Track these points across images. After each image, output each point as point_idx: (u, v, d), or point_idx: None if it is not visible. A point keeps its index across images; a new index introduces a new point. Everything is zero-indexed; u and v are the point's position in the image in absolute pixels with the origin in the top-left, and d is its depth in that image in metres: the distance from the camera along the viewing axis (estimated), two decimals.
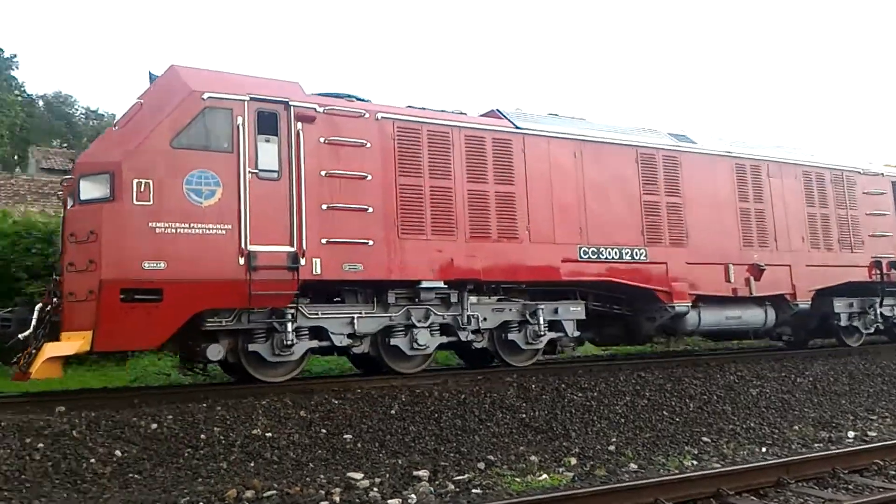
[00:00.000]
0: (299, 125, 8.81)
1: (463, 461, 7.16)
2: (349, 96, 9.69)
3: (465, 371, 10.21)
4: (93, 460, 6.47)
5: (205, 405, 7.73)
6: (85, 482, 6.20)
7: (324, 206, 8.81)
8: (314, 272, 8.64)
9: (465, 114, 10.55)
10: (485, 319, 9.90)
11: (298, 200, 8.64)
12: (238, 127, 8.51)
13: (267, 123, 8.71)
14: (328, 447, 7.32)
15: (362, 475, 6.57)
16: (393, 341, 9.31)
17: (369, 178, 9.16)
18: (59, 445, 6.58)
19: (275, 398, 8.03)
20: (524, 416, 8.52)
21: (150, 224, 7.89)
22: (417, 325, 9.37)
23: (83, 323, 7.66)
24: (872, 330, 13.55)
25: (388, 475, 6.60)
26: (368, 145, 9.23)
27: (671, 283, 10.98)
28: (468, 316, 9.69)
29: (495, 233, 9.88)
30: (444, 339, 9.66)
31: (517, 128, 10.39)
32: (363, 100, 9.76)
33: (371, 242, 9.02)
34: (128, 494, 6.01)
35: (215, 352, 8.34)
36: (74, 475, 6.26)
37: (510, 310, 10.14)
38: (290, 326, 8.54)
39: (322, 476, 6.58)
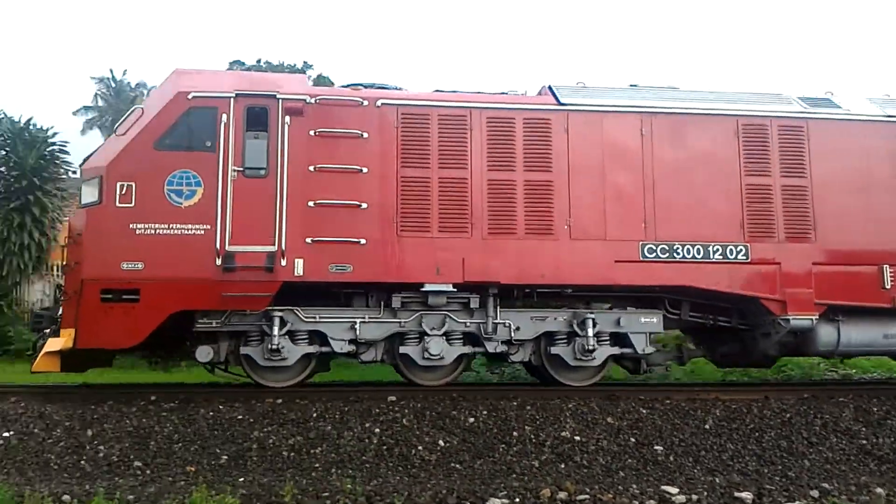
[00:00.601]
0: (287, 118, 8.40)
1: (791, 487, 6.64)
2: (381, 86, 9.07)
3: (785, 385, 9.23)
4: (420, 447, 7.09)
5: (515, 403, 8.01)
6: (414, 467, 6.81)
7: (310, 204, 8.30)
8: (296, 273, 8.13)
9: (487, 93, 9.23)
10: (518, 329, 8.65)
11: (283, 197, 8.25)
12: (223, 125, 8.30)
13: (257, 119, 8.41)
14: (638, 457, 7.22)
15: (677, 490, 6.43)
16: (402, 349, 8.55)
17: (365, 171, 8.47)
18: (392, 432, 7.30)
19: (581, 402, 8.06)
20: (864, 441, 7.58)
21: (130, 225, 8.00)
22: (430, 332, 8.51)
23: (69, 320, 7.89)
24: None
25: (706, 493, 6.40)
26: (366, 136, 8.54)
27: (785, 290, 8.65)
28: (495, 324, 8.58)
29: (522, 229, 8.57)
30: (467, 350, 8.70)
31: (560, 104, 8.89)
32: (392, 88, 9.08)
33: (363, 241, 8.32)
34: (451, 483, 6.45)
35: (204, 353, 8.35)
36: (405, 460, 6.92)
37: (555, 318, 8.76)
38: (275, 330, 8.18)
39: (634, 486, 6.52)
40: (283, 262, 8.12)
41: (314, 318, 8.46)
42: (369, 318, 8.52)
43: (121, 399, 7.99)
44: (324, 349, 8.53)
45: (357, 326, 8.43)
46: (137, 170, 8.18)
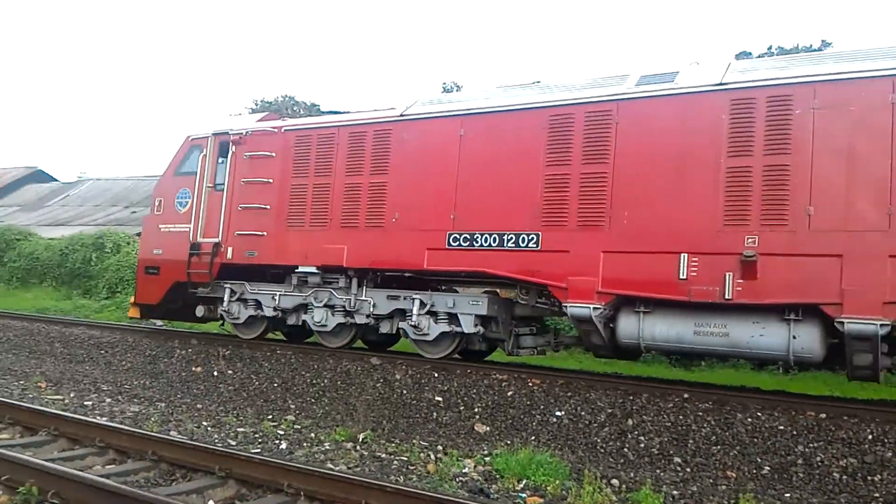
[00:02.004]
0: (233, 147, 11.52)
1: None
2: (334, 112, 11.92)
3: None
4: None
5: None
6: None
7: (239, 207, 11.29)
8: (227, 257, 11.30)
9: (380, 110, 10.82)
10: (375, 305, 10.14)
11: (227, 203, 11.42)
12: (204, 156, 11.85)
13: (223, 150, 11.67)
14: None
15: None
16: (302, 317, 10.84)
17: (271, 181, 11.10)
18: None
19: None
20: None
21: (159, 226, 12.19)
22: (315, 304, 10.59)
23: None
24: None
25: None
26: (274, 155, 11.14)
27: (569, 278, 8.46)
28: (360, 301, 10.26)
29: (363, 222, 10.15)
30: (343, 320, 10.46)
31: (400, 116, 10.15)
32: (343, 112, 11.54)
33: (264, 234, 11.01)
34: None
35: (199, 311, 11.90)
36: None
37: (403, 298, 9.90)
38: (226, 296, 11.40)
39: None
40: (224, 249, 11.30)
41: (255, 290, 11.24)
42: (285, 292, 10.94)
43: (656, 393, 8.13)
44: (259, 312, 11.19)
45: (277, 297, 10.94)
46: (165, 190, 12.37)
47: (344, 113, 11.41)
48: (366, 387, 9.38)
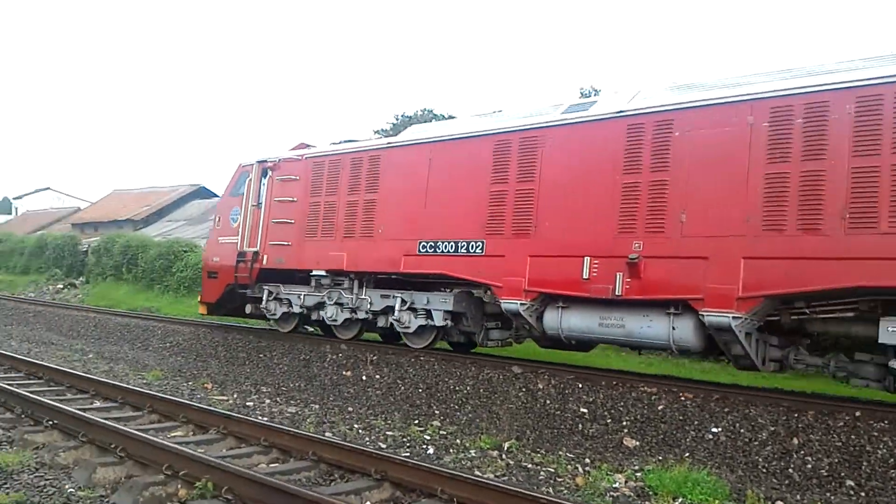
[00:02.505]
0: (270, 172, 13.57)
1: None
2: (348, 140, 13.72)
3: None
4: None
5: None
6: None
7: (272, 221, 13.26)
8: (263, 263, 13.21)
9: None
10: (372, 303, 11.70)
11: (264, 218, 13.42)
12: (250, 180, 13.86)
13: (263, 175, 13.68)
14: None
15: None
16: (317, 314, 12.76)
17: (296, 200, 12.94)
18: None
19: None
20: None
21: (217, 238, 14.54)
22: (328, 302, 12.27)
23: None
24: None
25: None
26: (298, 178, 13.01)
27: (503, 278, 9.80)
28: (360, 299, 11.91)
29: (359, 233, 11.81)
30: (348, 315, 12.12)
31: (386, 145, 11.99)
32: (352, 140, 13.59)
33: (289, 243, 12.88)
34: None
35: (248, 309, 14.01)
36: None
37: (392, 297, 11.43)
38: (265, 296, 13.46)
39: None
40: (261, 257, 13.27)
41: (287, 291, 13.15)
42: (308, 292, 12.69)
43: (823, 410, 7.54)
44: (290, 309, 13.07)
45: (302, 297, 12.76)
46: (222, 208, 14.88)
47: (352, 142, 13.41)
48: (508, 395, 9.39)
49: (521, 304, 9.57)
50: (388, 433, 8.87)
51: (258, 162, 13.77)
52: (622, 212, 8.81)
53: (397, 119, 31.92)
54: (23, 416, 8.11)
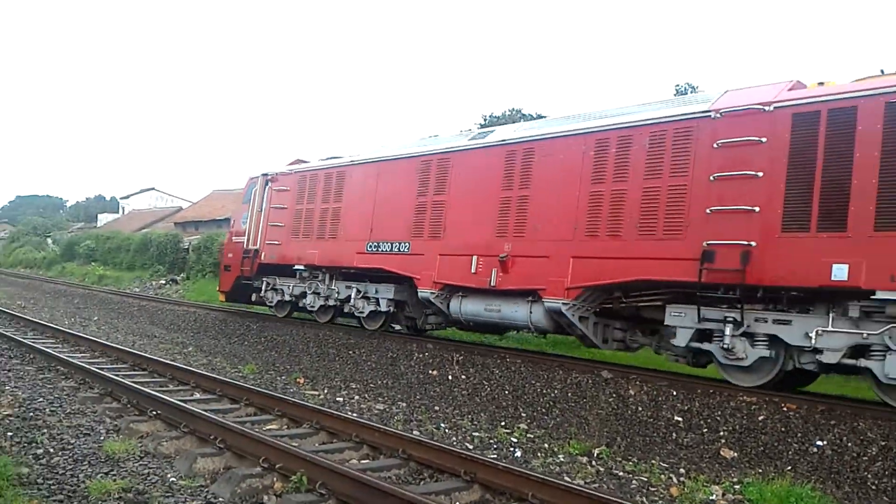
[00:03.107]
0: (270, 183, 16.15)
1: None
2: (333, 157, 15.66)
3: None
4: None
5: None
6: None
7: (269, 224, 15.80)
8: (262, 259, 15.85)
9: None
10: (339, 293, 14.11)
11: (263, 222, 16.02)
12: (255, 189, 16.63)
13: (266, 185, 16.23)
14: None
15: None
16: (302, 302, 15.20)
17: (286, 207, 15.53)
18: None
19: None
20: None
21: (232, 237, 17.50)
22: (308, 292, 14.86)
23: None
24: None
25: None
26: (288, 189, 15.60)
27: (421, 272, 11.90)
28: (331, 289, 14.32)
29: (327, 234, 14.26)
30: (323, 302, 14.57)
31: (349, 162, 14.40)
32: (335, 157, 15.50)
33: (279, 243, 15.43)
34: None
35: (252, 297, 16.68)
36: None
37: (347, 287, 13.86)
38: (263, 286, 16.22)
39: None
40: (260, 254, 15.87)
41: (280, 282, 15.79)
42: (295, 283, 15.27)
43: None
44: (283, 298, 15.71)
45: (291, 287, 15.37)
46: (235, 213, 18.27)
47: (333, 158, 15.41)
48: (598, 400, 9.20)
49: (432, 293, 11.76)
50: (474, 434, 8.85)
51: (262, 175, 16.53)
52: (499, 220, 10.96)
53: (485, 119, 31.86)
54: (128, 405, 8.53)
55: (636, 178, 9.18)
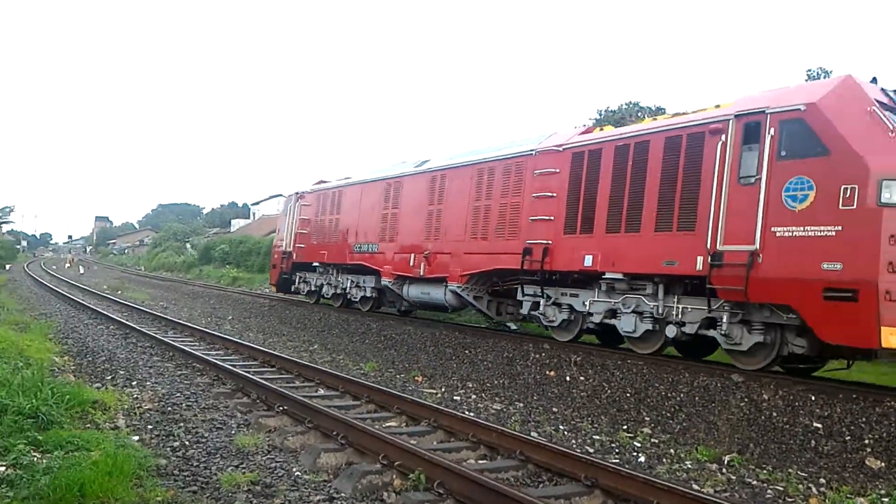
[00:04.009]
0: (299, 200, 20.70)
1: None
2: (345, 177, 19.80)
3: None
4: None
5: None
6: None
7: (298, 231, 20.22)
8: (294, 259, 20.38)
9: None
10: (342, 284, 18.40)
11: (295, 230, 20.37)
12: (290, 205, 21.42)
13: (297, 201, 20.83)
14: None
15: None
16: (322, 291, 19.53)
17: (309, 218, 20.02)
18: None
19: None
20: None
21: (276, 242, 23.02)
22: (325, 283, 19.30)
23: (273, 275, 22.78)
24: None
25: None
26: (309, 204, 20.17)
27: (384, 266, 15.93)
28: (337, 280, 18.61)
29: (331, 239, 18.64)
30: (333, 290, 18.88)
31: (348, 182, 18.72)
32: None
33: (304, 246, 19.99)
34: None
35: (291, 288, 21.26)
36: None
37: (348, 279, 18.22)
38: (297, 279, 21.04)
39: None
40: (294, 255, 20.33)
41: (308, 276, 20.43)
42: (317, 277, 19.85)
43: None
44: (311, 289, 20.19)
45: (314, 280, 19.98)
46: (279, 223, 23.20)
47: (345, 179, 19.26)
48: (728, 405, 8.71)
49: (390, 282, 15.67)
50: (594, 437, 8.61)
51: (295, 193, 21.30)
52: (426, 226, 14.64)
53: (600, 115, 31.13)
54: (258, 401, 8.91)
55: (496, 197, 12.79)
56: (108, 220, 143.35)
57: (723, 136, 9.07)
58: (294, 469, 6.35)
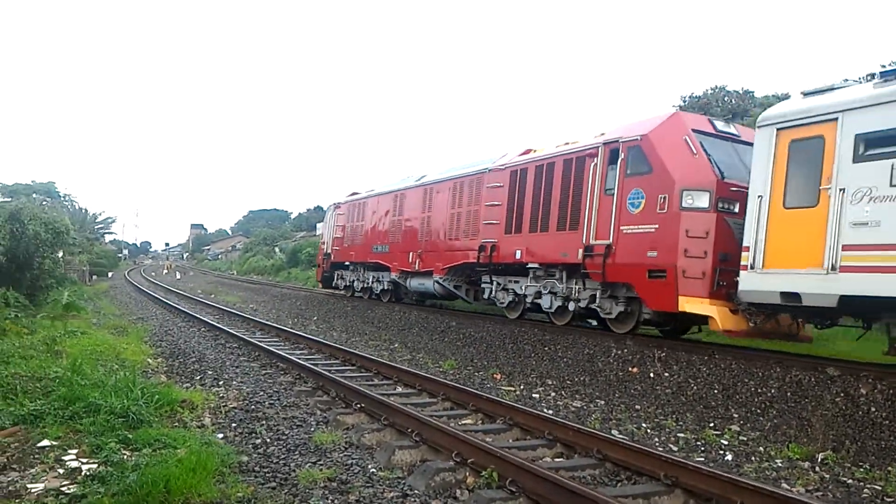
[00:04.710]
0: (337, 210, 25.05)
1: None
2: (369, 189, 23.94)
3: None
4: None
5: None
6: None
7: (334, 236, 24.71)
8: (332, 259, 25.00)
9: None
10: (368, 279, 22.28)
11: (332, 235, 25.02)
12: (329, 214, 26.89)
13: (334, 210, 25.50)
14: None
15: None
16: (353, 284, 23.57)
17: (342, 225, 23.99)
18: None
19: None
20: None
21: (321, 245, 28.94)
22: (354, 279, 23.38)
23: (318, 272, 28.56)
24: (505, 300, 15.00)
25: None
26: (343, 213, 24.12)
27: (393, 263, 19.59)
28: (364, 276, 22.66)
29: (357, 242, 22.70)
30: (363, 285, 22.74)
31: (366, 196, 22.90)
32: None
33: (338, 248, 24.24)
34: None
35: (331, 283, 25.61)
36: None
37: (371, 275, 22.05)
38: (335, 277, 25.29)
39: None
40: (332, 256, 25.03)
41: (343, 273, 24.43)
42: (350, 273, 23.83)
43: None
44: (346, 284, 24.07)
45: (347, 276, 24.04)
46: (322, 228, 32.15)
47: (368, 192, 22.96)
48: (822, 400, 8.24)
49: (397, 276, 19.35)
50: (679, 435, 8.32)
51: (333, 203, 25.73)
52: (420, 229, 18.03)
53: (684, 101, 30.16)
54: (336, 398, 9.06)
55: (465, 205, 16.06)
56: (202, 228, 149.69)
57: (595, 159, 12.00)
58: (369, 466, 6.40)
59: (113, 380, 8.27)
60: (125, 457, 6.03)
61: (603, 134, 12.42)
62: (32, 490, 5.34)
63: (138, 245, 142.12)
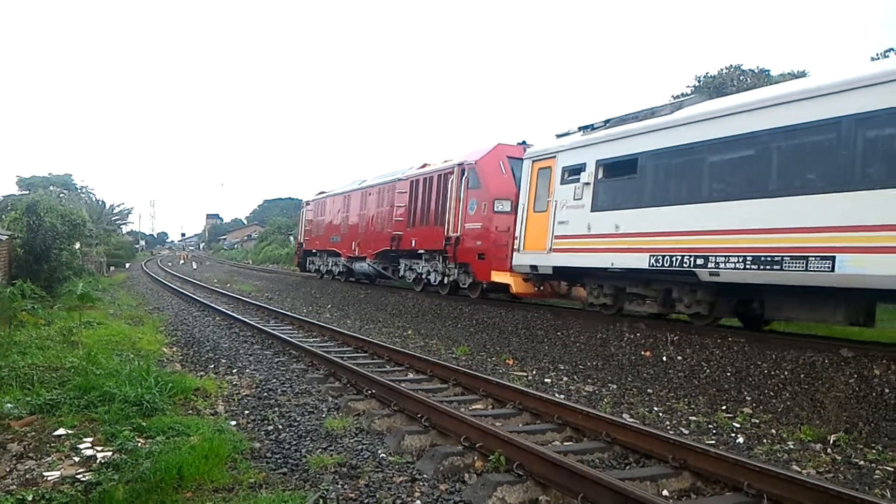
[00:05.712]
0: (308, 205, 30.75)
1: None
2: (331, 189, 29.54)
3: None
4: None
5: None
6: None
7: (304, 228, 30.90)
8: (304, 247, 31.13)
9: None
10: (328, 263, 27.70)
11: (304, 227, 31.23)
12: (302, 210, 32.43)
13: (305, 206, 31.71)
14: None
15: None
16: (330, 269, 27.77)
17: (310, 219, 29.75)
18: None
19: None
20: None
21: (296, 233, 39.66)
22: (333, 266, 27.19)
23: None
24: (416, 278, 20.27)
25: None
26: (312, 209, 29.71)
27: (342, 250, 25.02)
28: (344, 263, 25.66)
29: (320, 233, 28.15)
30: (341, 269, 26.06)
31: (324, 196, 28.36)
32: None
33: (308, 238, 30.27)
34: None
35: (304, 267, 32.14)
36: None
37: (330, 260, 27.44)
38: (307, 262, 31.03)
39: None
40: (303, 245, 31.48)
41: (315, 259, 29.97)
42: (325, 260, 28.40)
43: None
44: (316, 268, 29.50)
45: (319, 262, 29.12)
46: (298, 221, 37.95)
47: (328, 192, 28.02)
48: (835, 382, 8.19)
49: (345, 260, 24.68)
50: (691, 418, 8.31)
51: (305, 201, 31.14)
52: (359, 223, 23.49)
53: (699, 81, 29.82)
54: (348, 385, 9.12)
55: (385, 205, 21.22)
56: (218, 217, 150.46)
57: (453, 176, 17.27)
58: (379, 451, 6.45)
59: (128, 369, 8.38)
60: (139, 444, 6.12)
61: (461, 158, 17.53)
62: (49, 478, 5.43)
63: (155, 235, 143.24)
